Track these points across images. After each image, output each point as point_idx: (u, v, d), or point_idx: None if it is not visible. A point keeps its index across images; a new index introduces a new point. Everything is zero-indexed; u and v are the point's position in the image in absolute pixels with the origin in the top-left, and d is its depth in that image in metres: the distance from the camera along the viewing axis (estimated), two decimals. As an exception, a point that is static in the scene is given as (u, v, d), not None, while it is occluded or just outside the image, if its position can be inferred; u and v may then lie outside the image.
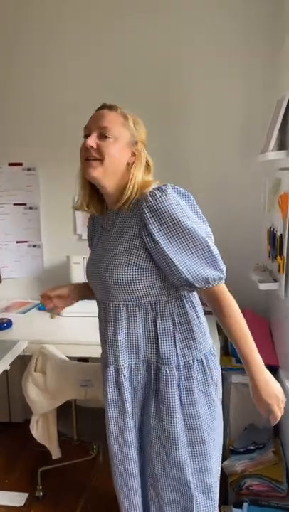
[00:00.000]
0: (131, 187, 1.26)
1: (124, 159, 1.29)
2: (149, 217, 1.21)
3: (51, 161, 2.54)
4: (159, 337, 1.30)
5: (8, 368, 1.84)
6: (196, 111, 2.40)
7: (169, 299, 1.30)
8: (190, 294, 1.33)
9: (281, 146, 1.94)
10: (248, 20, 2.31)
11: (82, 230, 2.59)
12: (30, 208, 2.60)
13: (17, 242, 2.65)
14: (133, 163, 1.30)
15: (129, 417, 1.36)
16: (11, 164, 2.57)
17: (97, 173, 1.26)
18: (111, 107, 1.30)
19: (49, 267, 2.65)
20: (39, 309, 2.49)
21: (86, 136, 1.30)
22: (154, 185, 1.25)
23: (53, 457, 2.00)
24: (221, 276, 1.24)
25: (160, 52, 2.38)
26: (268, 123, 2.15)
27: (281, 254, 1.96)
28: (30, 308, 2.50)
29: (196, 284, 1.22)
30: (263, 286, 2.06)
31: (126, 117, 1.29)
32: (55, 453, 1.98)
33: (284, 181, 1.96)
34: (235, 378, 2.13)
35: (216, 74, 2.38)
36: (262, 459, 1.92)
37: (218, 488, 1.46)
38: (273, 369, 2.15)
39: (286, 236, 1.89)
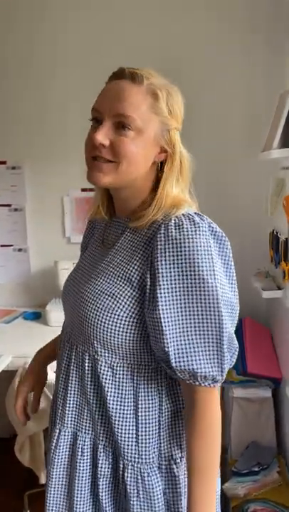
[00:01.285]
0: (161, 200, 0.89)
1: (150, 159, 0.90)
2: (162, 251, 0.83)
3: (38, 160, 2.38)
4: (140, 421, 0.91)
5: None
6: (196, 109, 2.25)
7: (160, 365, 0.91)
8: None
9: (285, 143, 1.80)
10: (250, 17, 2.19)
11: (71, 233, 2.43)
12: (16, 210, 2.43)
13: (1, 245, 2.48)
14: (162, 162, 0.92)
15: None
16: (-7, 163, 2.40)
17: (106, 180, 0.88)
18: (134, 77, 0.86)
19: (36, 272, 2.49)
20: (25, 318, 2.33)
21: (94, 120, 0.90)
22: (184, 210, 0.88)
23: (40, 482, 1.84)
24: (218, 378, 0.84)
25: (160, 49, 2.23)
26: (269, 121, 2.02)
27: (286, 259, 1.82)
28: (16, 317, 2.33)
29: (176, 372, 0.84)
30: (266, 295, 1.92)
31: (156, 96, 0.87)
32: (43, 477, 1.83)
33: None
34: (237, 392, 1.99)
35: (218, 70, 2.25)
36: (266, 480, 1.79)
37: None
38: (276, 382, 2.03)
39: (292, 241, 1.76)
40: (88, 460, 0.96)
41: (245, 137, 2.27)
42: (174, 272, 0.83)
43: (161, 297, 0.83)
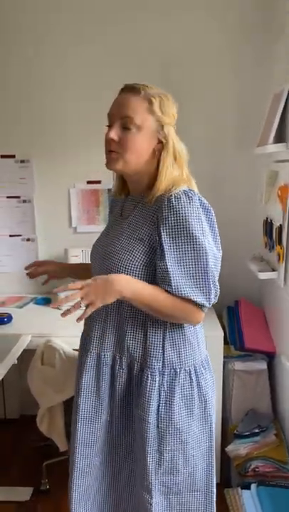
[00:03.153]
0: (161, 181, 1.20)
1: (149, 148, 1.22)
2: (165, 217, 1.16)
3: (45, 154, 2.51)
4: (148, 339, 1.24)
5: (15, 362, 1.83)
6: (191, 104, 2.42)
7: None
8: None
9: (279, 138, 1.99)
10: (242, 16, 2.36)
11: (78, 223, 2.58)
12: (24, 201, 2.56)
13: (10, 235, 2.60)
14: (160, 150, 1.22)
15: (103, 410, 1.30)
16: (3, 156, 2.52)
17: (117, 166, 1.22)
18: (134, 90, 1.20)
19: (44, 260, 2.62)
20: (36, 303, 2.47)
21: (109, 125, 1.23)
22: (182, 187, 1.19)
23: (61, 449, 2.00)
24: (205, 304, 1.18)
25: (157, 47, 2.39)
26: (260, 116, 2.21)
27: (280, 244, 2.02)
28: (27, 303, 2.48)
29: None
30: (262, 276, 2.12)
31: (150, 101, 1.19)
32: (63, 445, 1.98)
33: (284, 173, 2.03)
34: (236, 366, 2.19)
35: (211, 67, 2.41)
36: (265, 441, 1.99)
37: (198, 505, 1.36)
38: (271, 356, 2.24)
39: (286, 226, 1.96)
40: (110, 367, 1.28)
41: (238, 132, 2.45)
42: (174, 229, 1.15)
43: (166, 250, 1.16)
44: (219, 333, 2.09)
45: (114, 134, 1.20)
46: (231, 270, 2.52)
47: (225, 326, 2.34)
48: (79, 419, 1.32)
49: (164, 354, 1.24)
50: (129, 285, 1.17)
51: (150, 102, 1.19)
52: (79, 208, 2.56)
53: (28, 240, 2.61)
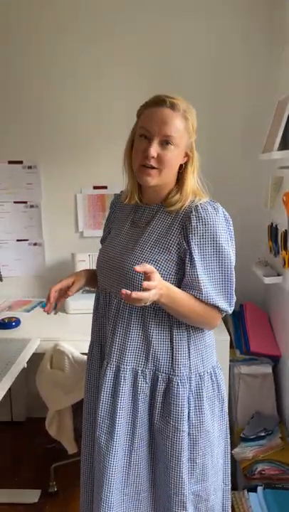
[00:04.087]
0: (187, 192, 1.25)
1: (179, 162, 1.27)
2: (194, 227, 1.20)
3: (52, 160, 2.54)
4: (174, 346, 1.25)
5: (25, 365, 1.85)
6: (197, 110, 2.45)
7: None
8: None
9: (285, 145, 2.02)
10: (249, 21, 2.39)
11: (84, 228, 2.61)
12: (31, 206, 2.59)
13: (17, 240, 2.64)
14: (186, 163, 1.27)
15: (119, 427, 1.26)
16: (10, 162, 2.55)
17: (154, 181, 1.24)
18: (173, 106, 1.21)
19: (51, 265, 2.66)
20: (43, 307, 2.48)
21: (143, 136, 1.23)
22: (206, 199, 1.25)
23: (69, 452, 2.02)
24: (228, 310, 1.26)
25: (164, 58, 2.42)
26: (265, 122, 2.24)
27: (286, 248, 2.05)
28: (34, 307, 2.50)
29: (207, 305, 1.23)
30: (268, 280, 2.15)
31: (187, 119, 1.23)
32: (71, 448, 2.00)
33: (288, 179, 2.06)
34: (241, 369, 2.21)
35: (217, 72, 2.44)
36: (271, 444, 2.02)
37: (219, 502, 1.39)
38: (276, 359, 2.26)
39: (291, 232, 1.99)
40: (129, 383, 1.27)
41: (244, 138, 2.48)
42: (203, 240, 1.21)
43: (196, 258, 1.20)
44: (225, 338, 2.11)
45: (155, 152, 1.21)
46: (236, 274, 2.54)
47: (230, 330, 2.37)
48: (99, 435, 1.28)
49: (190, 360, 1.27)
50: (169, 291, 1.18)
51: (186, 120, 1.24)
52: (85, 213, 2.59)
53: (35, 244, 2.64)
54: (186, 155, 1.27)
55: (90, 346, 1.43)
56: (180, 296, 1.20)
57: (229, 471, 1.42)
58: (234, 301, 1.27)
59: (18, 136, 2.53)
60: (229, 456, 1.42)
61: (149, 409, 1.28)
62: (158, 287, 1.11)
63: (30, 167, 2.56)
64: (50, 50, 2.46)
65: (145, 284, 1.08)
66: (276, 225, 2.21)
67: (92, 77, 2.46)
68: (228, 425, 1.40)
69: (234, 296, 1.26)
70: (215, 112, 2.45)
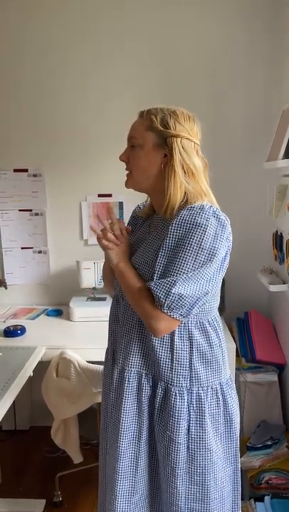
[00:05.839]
0: (169, 194, 1.19)
1: (155, 163, 1.22)
2: (173, 222, 1.15)
3: (57, 168, 2.56)
4: (175, 356, 1.23)
5: (31, 374, 1.85)
6: (200, 118, 2.47)
7: (190, 319, 1.23)
8: (215, 319, 1.28)
9: (288, 154, 2.03)
10: (253, 27, 2.41)
11: (89, 236, 2.61)
12: (36, 214, 2.60)
13: (22, 248, 2.64)
14: (165, 164, 1.21)
15: (124, 429, 1.28)
16: (16, 170, 2.56)
17: (129, 184, 1.29)
18: (141, 113, 1.26)
19: (55, 272, 2.66)
20: (47, 315, 2.50)
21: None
22: (200, 202, 1.17)
23: (75, 462, 2.01)
24: (163, 305, 1.12)
25: (168, 66, 2.44)
26: (270, 131, 2.25)
27: (291, 257, 2.05)
28: (39, 315, 2.50)
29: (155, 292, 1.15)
30: (273, 288, 2.15)
31: (151, 119, 1.21)
32: (77, 458, 1.99)
33: (293, 188, 2.06)
34: (247, 377, 2.21)
35: (221, 81, 2.46)
36: (278, 453, 2.01)
37: None
38: (281, 367, 2.25)
39: (296, 240, 1.99)
40: (134, 385, 1.28)
41: (248, 146, 2.49)
42: (181, 240, 1.14)
43: (163, 246, 1.16)
44: (231, 346, 2.11)
45: (123, 156, 1.28)
46: (241, 282, 2.56)
47: (235, 338, 2.36)
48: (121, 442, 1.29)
49: (191, 371, 1.23)
50: (127, 264, 1.26)
51: (150, 120, 1.22)
52: (90, 221, 2.59)
53: (39, 252, 2.64)
54: (165, 155, 1.21)
55: (106, 351, 1.44)
56: (130, 271, 1.24)
57: (240, 502, 1.36)
58: (188, 309, 1.14)
59: (23, 144, 2.55)
60: (240, 484, 1.35)
61: (152, 413, 1.28)
62: (117, 250, 1.26)
63: (35, 175, 2.57)
64: (59, 62, 2.48)
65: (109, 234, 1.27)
66: (281, 233, 2.21)
67: (98, 87, 2.48)
68: (238, 451, 1.32)
69: (195, 302, 1.13)
70: (218, 121, 2.46)
